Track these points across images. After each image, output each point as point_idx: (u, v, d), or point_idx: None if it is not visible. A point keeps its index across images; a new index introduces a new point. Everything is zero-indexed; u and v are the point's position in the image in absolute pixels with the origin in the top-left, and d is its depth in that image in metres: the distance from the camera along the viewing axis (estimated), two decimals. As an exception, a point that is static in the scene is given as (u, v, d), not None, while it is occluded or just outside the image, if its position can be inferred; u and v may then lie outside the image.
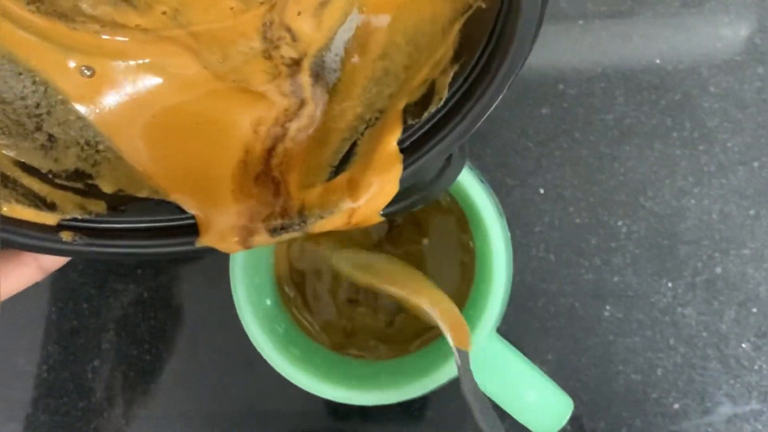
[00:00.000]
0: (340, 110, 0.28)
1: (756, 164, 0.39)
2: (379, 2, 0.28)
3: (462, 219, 0.35)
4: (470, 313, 0.34)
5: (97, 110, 0.28)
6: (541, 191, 0.39)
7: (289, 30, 0.28)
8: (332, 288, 0.37)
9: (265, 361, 0.33)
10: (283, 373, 0.32)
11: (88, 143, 0.28)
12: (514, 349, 0.33)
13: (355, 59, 0.28)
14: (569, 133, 0.39)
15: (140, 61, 0.28)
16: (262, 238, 0.27)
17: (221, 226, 0.27)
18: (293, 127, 0.29)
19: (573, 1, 0.39)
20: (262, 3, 0.28)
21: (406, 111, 0.26)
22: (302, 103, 0.29)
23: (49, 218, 0.26)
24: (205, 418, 0.40)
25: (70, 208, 0.26)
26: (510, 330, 0.39)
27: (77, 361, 0.40)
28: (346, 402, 0.33)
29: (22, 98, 0.27)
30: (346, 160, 0.27)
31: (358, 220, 0.26)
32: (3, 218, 0.25)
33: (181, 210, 0.27)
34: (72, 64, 0.27)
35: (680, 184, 0.39)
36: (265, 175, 0.28)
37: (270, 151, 0.29)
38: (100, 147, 0.28)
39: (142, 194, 0.27)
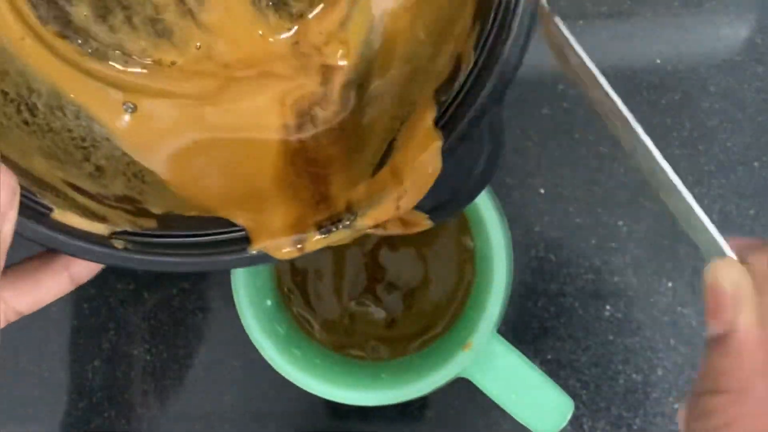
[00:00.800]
0: (374, 115, 0.28)
1: (756, 164, 0.39)
2: (395, 8, 0.28)
3: (462, 219, 0.35)
4: (470, 313, 0.34)
5: (140, 145, 0.28)
6: (541, 191, 0.39)
7: (318, 49, 0.29)
8: (333, 287, 0.37)
9: (265, 361, 0.33)
10: (283, 373, 0.32)
11: (134, 175, 0.28)
12: (514, 349, 0.33)
13: (383, 66, 0.28)
14: (569, 133, 0.39)
15: (179, 98, 0.28)
16: (314, 239, 0.26)
17: (272, 231, 0.26)
18: (320, 114, 0.29)
19: (573, 1, 0.39)
20: (288, 28, 0.29)
21: (438, 91, 0.26)
22: (326, 97, 0.29)
23: (101, 228, 0.25)
24: (206, 418, 0.40)
25: (122, 222, 0.26)
26: (510, 330, 0.39)
27: (77, 361, 0.40)
28: (346, 402, 0.33)
29: (69, 130, 0.27)
30: (387, 158, 0.27)
31: (407, 203, 0.25)
32: (53, 223, 0.25)
33: (231, 223, 0.27)
34: (115, 100, 0.28)
35: (680, 184, 0.39)
36: (306, 173, 0.28)
37: (304, 144, 0.29)
38: (146, 179, 0.28)
39: (191, 213, 0.27)
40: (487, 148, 0.26)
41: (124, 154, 0.28)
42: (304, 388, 0.33)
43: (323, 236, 0.26)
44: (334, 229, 0.26)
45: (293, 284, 0.37)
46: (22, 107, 0.26)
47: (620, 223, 0.39)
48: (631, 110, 0.40)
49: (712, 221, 0.39)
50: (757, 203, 0.39)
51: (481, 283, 0.33)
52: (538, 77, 0.39)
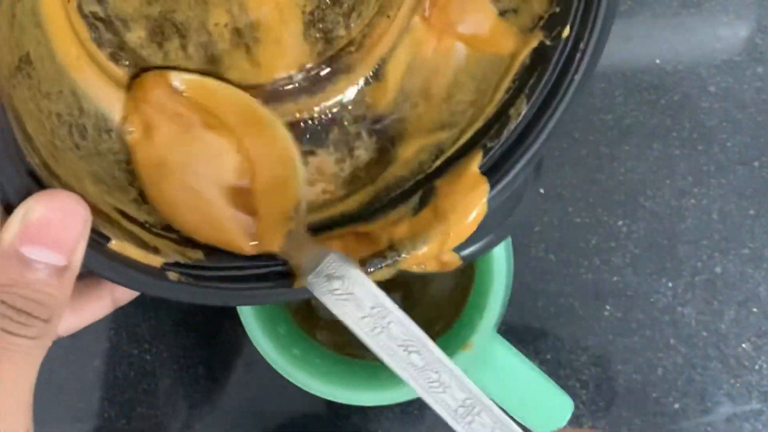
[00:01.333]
0: (403, 145, 0.29)
1: (756, 164, 0.39)
2: (437, 48, 0.28)
3: (462, 219, 0.35)
4: (470, 313, 0.34)
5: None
6: (541, 191, 0.39)
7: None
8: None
9: (265, 361, 0.33)
10: (283, 373, 0.32)
11: None
12: (514, 349, 0.33)
13: (419, 106, 0.29)
14: (569, 133, 0.39)
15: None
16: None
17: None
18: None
19: (573, 1, 0.39)
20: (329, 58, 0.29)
21: (484, 136, 0.26)
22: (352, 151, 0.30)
23: (155, 260, 0.25)
24: (206, 418, 0.40)
25: (171, 252, 0.26)
26: (510, 330, 0.39)
27: (77, 361, 0.40)
28: (346, 402, 0.33)
29: (114, 153, 0.27)
30: (428, 197, 0.27)
31: (450, 244, 0.26)
32: (111, 253, 0.25)
33: (273, 256, 0.27)
34: None
35: (680, 184, 0.39)
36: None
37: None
38: None
39: None
40: (528, 188, 0.27)
41: None
42: (304, 388, 0.33)
43: (367, 274, 0.26)
44: (378, 269, 0.26)
45: (293, 284, 0.37)
46: (74, 129, 0.26)
47: (620, 222, 0.39)
48: (631, 110, 0.40)
49: (712, 221, 0.39)
50: (757, 203, 0.39)
51: (481, 283, 0.33)
52: (538, 77, 0.39)
